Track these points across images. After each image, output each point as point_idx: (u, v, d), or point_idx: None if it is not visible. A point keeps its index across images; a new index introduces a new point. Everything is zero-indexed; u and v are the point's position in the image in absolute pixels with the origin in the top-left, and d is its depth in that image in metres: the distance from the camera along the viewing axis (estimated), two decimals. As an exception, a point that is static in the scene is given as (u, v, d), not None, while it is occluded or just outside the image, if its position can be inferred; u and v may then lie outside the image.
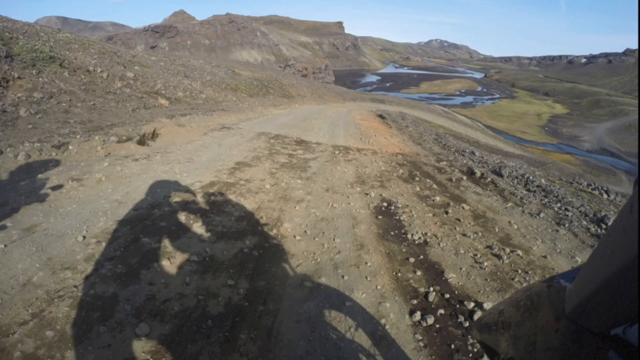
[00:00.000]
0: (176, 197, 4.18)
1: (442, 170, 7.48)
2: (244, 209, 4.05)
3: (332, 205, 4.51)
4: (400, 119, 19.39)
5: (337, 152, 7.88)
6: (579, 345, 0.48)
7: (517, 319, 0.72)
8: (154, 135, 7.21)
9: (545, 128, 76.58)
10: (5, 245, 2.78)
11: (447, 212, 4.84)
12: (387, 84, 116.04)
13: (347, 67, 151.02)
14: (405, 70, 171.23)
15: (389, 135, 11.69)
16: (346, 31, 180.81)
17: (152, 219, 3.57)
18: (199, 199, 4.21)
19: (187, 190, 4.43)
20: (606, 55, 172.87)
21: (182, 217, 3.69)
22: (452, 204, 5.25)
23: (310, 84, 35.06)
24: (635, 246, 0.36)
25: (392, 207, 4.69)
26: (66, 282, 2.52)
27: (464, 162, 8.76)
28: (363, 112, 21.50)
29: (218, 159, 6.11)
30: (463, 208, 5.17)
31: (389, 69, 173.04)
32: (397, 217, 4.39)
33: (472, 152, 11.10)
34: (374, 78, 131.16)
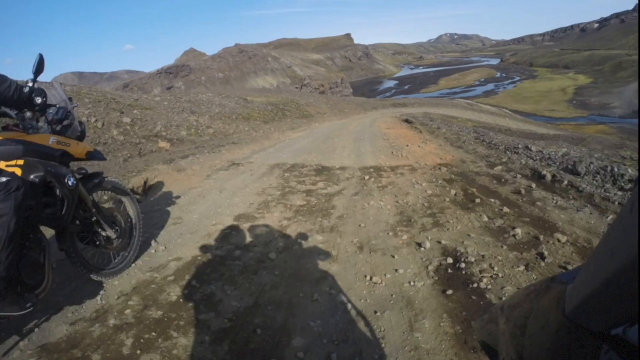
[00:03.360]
0: (135, 296, 2.76)
1: (502, 180, 5.79)
2: (229, 313, 2.53)
3: (370, 279, 2.89)
4: (429, 120, 17.78)
5: (367, 176, 6.33)
6: (579, 345, 0.48)
7: (517, 319, 0.71)
8: (144, 187, 5.96)
9: (573, 102, 74.40)
10: None
11: (543, 258, 3.17)
12: (406, 87, 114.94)
13: (363, 77, 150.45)
14: (420, 70, 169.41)
15: (422, 142, 10.07)
16: (355, 42, 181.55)
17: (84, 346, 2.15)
18: (166, 296, 2.77)
19: (153, 279, 3.01)
20: (617, 15, 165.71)
21: (129, 339, 2.26)
22: (542, 237, 3.57)
23: (328, 100, 33.84)
24: (635, 246, 0.35)
25: (463, 265, 3.05)
26: None
27: (523, 162, 7.06)
28: (387, 119, 20.01)
29: (214, 213, 4.71)
30: (558, 241, 3.49)
31: (405, 72, 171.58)
32: (476, 286, 2.74)
33: (527, 147, 9.24)
34: (391, 83, 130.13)
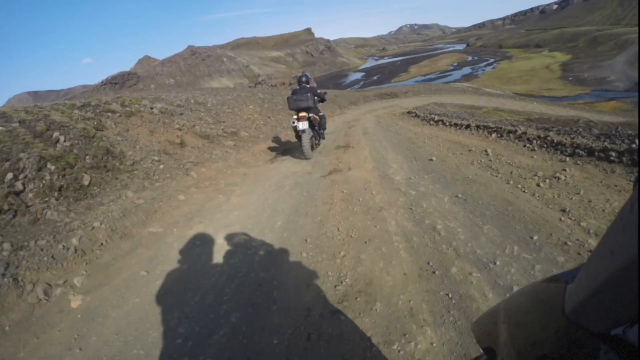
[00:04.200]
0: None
1: None
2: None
3: None
4: (539, 128, 6.70)
5: None
6: (579, 346, 0.47)
7: (516, 319, 0.69)
8: None
9: (569, 79, 69.71)
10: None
11: None
12: (374, 77, 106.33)
13: (327, 72, 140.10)
14: (386, 60, 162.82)
15: None
16: (316, 36, 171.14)
17: None
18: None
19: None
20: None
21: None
22: None
23: (273, 95, 21.95)
24: (635, 246, 0.34)
25: None
26: None
27: None
28: (410, 129, 8.62)
29: None
30: None
31: (370, 63, 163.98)
32: None
33: None
34: (358, 75, 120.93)
